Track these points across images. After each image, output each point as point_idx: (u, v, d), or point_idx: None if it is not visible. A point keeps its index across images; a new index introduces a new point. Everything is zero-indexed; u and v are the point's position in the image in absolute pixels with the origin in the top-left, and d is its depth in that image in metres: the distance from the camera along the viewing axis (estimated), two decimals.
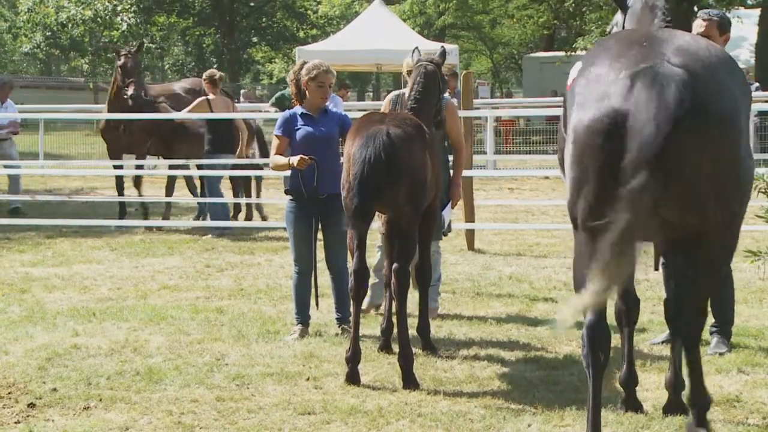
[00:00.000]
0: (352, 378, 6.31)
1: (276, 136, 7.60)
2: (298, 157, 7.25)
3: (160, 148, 14.49)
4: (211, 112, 12.89)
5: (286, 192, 7.77)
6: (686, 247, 4.76)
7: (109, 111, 14.05)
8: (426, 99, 7.04)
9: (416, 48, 7.45)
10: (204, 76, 13.53)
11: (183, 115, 13.49)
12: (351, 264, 6.59)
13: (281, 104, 12.92)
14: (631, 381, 5.66)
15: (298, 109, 7.64)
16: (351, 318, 6.74)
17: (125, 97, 13.47)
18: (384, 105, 8.25)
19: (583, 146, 4.55)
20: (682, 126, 4.36)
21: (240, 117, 13.87)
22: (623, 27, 5.79)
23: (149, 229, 13.57)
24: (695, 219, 4.59)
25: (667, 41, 4.66)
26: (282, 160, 7.47)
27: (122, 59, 13.69)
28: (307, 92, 7.56)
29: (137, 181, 14.37)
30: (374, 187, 6.29)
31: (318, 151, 7.33)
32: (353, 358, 6.34)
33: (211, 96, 13.11)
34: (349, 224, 6.55)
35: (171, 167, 14.66)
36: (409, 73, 7.65)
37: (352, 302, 6.57)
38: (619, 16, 6.14)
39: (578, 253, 4.81)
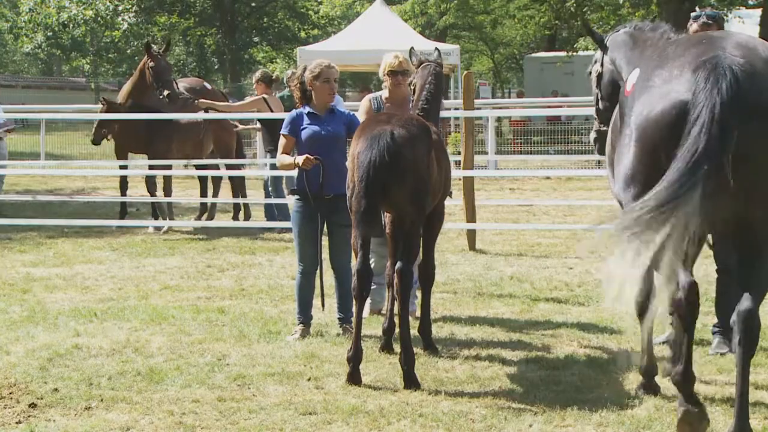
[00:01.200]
0: (354, 378, 6.31)
1: (282, 135, 7.61)
2: (303, 157, 7.24)
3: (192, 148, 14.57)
4: (271, 111, 13.02)
5: (292, 192, 7.77)
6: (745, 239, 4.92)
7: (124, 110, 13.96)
8: (436, 99, 7.16)
9: (412, 48, 7.51)
10: (258, 76, 13.66)
11: (230, 115, 13.73)
12: (354, 264, 6.60)
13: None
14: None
15: (305, 109, 7.63)
16: (353, 318, 6.74)
17: (161, 97, 13.54)
18: (365, 107, 8.11)
19: (651, 140, 4.79)
20: (743, 113, 4.53)
21: (229, 117, 13.98)
22: (613, 61, 5.98)
23: (158, 229, 13.56)
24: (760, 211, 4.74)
25: (725, 38, 4.90)
26: (288, 159, 7.47)
27: (154, 60, 13.73)
28: (313, 92, 7.56)
29: (163, 183, 14.31)
30: (379, 187, 6.29)
31: (324, 150, 7.32)
32: (355, 358, 6.35)
33: (265, 95, 13.25)
34: (353, 224, 6.55)
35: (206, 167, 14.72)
36: (391, 74, 7.71)
37: (354, 302, 6.58)
38: (599, 54, 6.27)
39: None
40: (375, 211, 6.48)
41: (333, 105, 7.66)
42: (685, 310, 4.91)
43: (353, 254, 6.79)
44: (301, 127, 7.52)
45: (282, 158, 7.54)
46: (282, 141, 7.61)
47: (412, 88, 7.39)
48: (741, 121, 4.52)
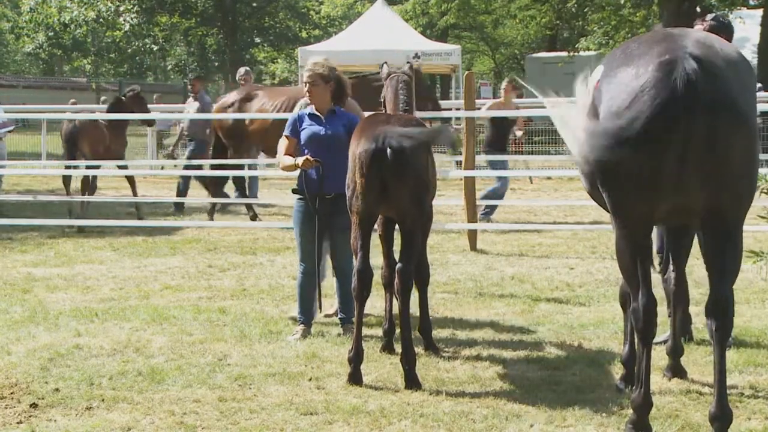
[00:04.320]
0: (355, 378, 6.31)
1: (285, 136, 7.62)
2: (303, 158, 7.26)
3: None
4: None
5: (293, 191, 7.78)
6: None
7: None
8: (411, 106, 7.19)
9: (385, 63, 7.59)
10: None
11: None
12: (355, 264, 6.60)
13: None
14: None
15: (307, 110, 7.64)
16: (354, 318, 6.74)
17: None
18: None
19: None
20: (707, 109, 4.75)
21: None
22: None
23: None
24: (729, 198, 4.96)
25: (685, 36, 5.09)
26: (288, 160, 7.47)
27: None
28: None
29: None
30: (380, 187, 6.28)
31: (324, 151, 7.32)
32: (356, 358, 6.35)
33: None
34: (353, 225, 6.55)
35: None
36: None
37: (355, 303, 6.57)
38: None
39: (618, 238, 5.24)
40: (375, 210, 6.47)
41: (334, 106, 7.62)
42: (642, 324, 5.15)
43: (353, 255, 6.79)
44: (302, 128, 7.53)
45: (283, 159, 7.54)
46: (283, 142, 7.61)
47: (382, 99, 7.43)
48: (705, 116, 4.74)
